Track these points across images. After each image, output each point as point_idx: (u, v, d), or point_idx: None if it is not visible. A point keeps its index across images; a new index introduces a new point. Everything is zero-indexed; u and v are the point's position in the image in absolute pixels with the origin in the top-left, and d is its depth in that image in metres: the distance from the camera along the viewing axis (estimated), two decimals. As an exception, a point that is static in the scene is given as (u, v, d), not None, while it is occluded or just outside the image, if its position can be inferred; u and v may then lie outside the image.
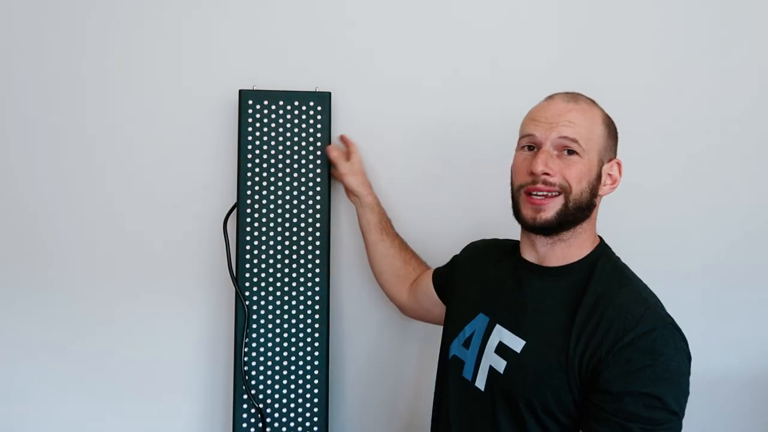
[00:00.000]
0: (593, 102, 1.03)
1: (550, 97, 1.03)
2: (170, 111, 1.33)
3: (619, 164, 1.03)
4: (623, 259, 1.05)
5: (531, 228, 1.00)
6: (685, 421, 0.91)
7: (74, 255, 1.33)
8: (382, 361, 1.40)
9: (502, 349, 1.00)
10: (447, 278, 1.23)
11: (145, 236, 1.34)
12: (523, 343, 0.98)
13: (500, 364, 0.99)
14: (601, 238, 1.06)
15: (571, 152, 0.97)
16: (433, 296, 1.24)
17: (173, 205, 1.34)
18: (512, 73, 1.36)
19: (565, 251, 1.01)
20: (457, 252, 1.26)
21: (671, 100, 1.39)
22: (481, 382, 1.02)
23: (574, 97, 1.01)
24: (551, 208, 0.97)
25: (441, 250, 1.33)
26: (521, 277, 1.05)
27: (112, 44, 1.32)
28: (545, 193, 0.97)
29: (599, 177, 1.00)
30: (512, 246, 1.13)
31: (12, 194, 1.32)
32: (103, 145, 1.33)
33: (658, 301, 0.98)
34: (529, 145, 1.01)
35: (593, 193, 0.99)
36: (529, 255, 1.06)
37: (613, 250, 1.06)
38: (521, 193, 1.00)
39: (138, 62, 1.33)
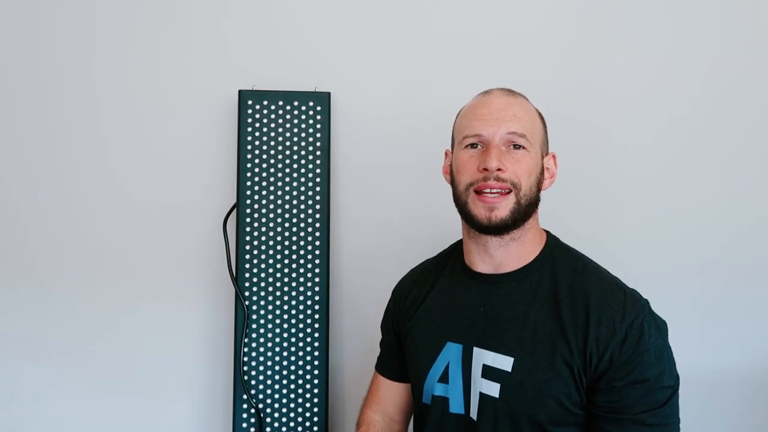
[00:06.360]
0: (525, 96, 1.01)
1: (487, 93, 1.00)
2: (170, 111, 1.34)
3: (554, 157, 1.02)
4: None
5: (486, 228, 0.94)
6: (685, 422, 0.92)
7: (73, 255, 1.34)
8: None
9: (489, 372, 0.94)
10: (393, 345, 1.12)
11: (144, 236, 1.34)
12: (511, 360, 0.92)
13: (492, 388, 0.93)
14: (547, 231, 1.03)
15: (517, 147, 0.94)
16: (394, 383, 1.13)
17: (172, 205, 1.35)
18: (512, 72, 1.36)
19: (519, 251, 0.98)
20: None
21: (669, 95, 1.38)
22: (474, 412, 0.95)
23: (510, 91, 0.99)
24: (505, 207, 0.93)
25: (442, 247, 1.32)
26: (480, 292, 0.99)
27: (112, 44, 1.33)
28: (498, 190, 0.93)
29: (543, 171, 0.99)
30: (451, 260, 1.08)
31: (13, 196, 1.33)
32: (102, 146, 1.34)
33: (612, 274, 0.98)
34: (473, 143, 0.96)
35: (539, 188, 0.98)
36: (482, 266, 1.00)
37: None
38: (470, 193, 0.95)
39: (138, 62, 1.34)
